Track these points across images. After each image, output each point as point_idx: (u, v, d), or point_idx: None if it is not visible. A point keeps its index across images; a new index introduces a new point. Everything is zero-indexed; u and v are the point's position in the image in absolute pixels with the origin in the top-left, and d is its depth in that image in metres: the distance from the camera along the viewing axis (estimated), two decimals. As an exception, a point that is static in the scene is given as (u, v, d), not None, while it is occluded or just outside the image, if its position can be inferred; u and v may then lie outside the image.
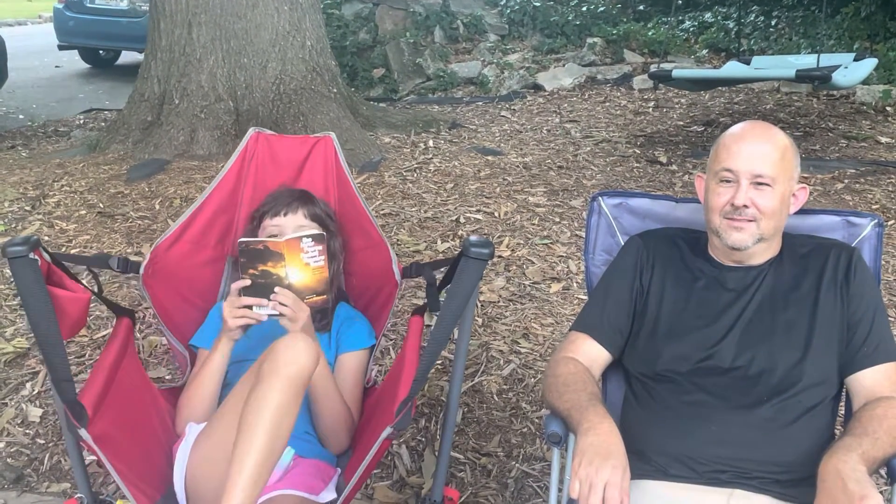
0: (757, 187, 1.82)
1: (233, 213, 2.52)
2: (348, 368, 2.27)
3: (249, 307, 2.06)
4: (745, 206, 1.82)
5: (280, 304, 2.02)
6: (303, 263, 2.05)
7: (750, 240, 1.85)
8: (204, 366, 2.15)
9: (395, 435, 1.74)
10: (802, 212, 2.01)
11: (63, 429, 2.11)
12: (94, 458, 1.88)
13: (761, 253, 1.90)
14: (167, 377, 3.19)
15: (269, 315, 2.06)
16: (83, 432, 1.74)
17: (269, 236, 2.21)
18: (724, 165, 1.85)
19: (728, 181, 1.85)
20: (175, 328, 2.41)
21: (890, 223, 4.73)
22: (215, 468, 1.77)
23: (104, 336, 3.47)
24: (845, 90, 7.81)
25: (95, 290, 2.08)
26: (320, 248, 2.06)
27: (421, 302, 2.61)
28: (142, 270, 2.31)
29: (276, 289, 2.04)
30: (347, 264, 2.49)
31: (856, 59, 6.93)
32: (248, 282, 2.04)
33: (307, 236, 2.05)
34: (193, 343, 2.38)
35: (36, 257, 1.72)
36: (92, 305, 2.04)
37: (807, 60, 6.97)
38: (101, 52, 12.32)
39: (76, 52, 12.18)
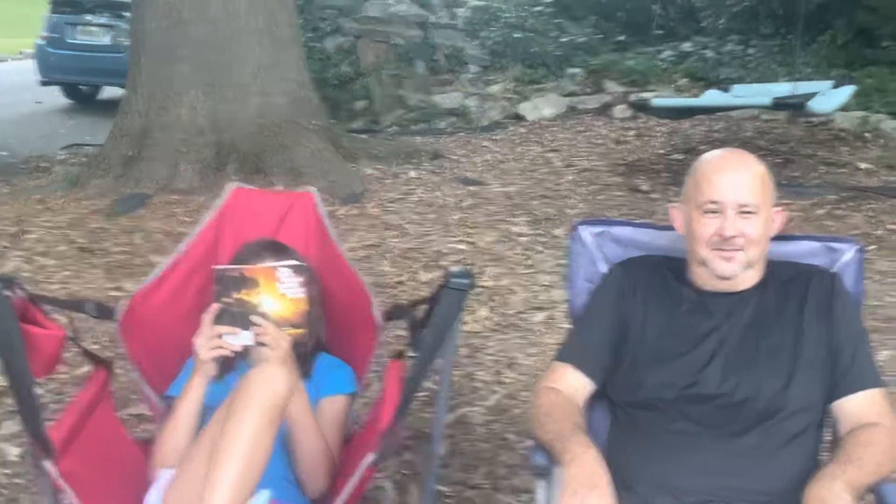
0: (744, 216, 1.82)
1: (212, 266, 2.50)
2: (328, 413, 2.20)
3: (222, 337, 2.02)
4: (734, 237, 1.82)
5: (261, 333, 1.99)
6: (279, 293, 2.02)
7: (738, 268, 1.85)
8: (177, 408, 2.08)
9: (379, 462, 1.71)
10: (783, 238, 2.01)
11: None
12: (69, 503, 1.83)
13: (749, 278, 1.90)
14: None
15: (244, 345, 2.03)
16: (47, 464, 1.71)
17: None
18: (709, 197, 1.84)
19: (714, 212, 1.85)
20: (150, 378, 2.35)
21: (871, 248, 4.75)
22: None
23: (85, 373, 3.42)
24: (823, 117, 7.89)
25: (71, 335, 2.01)
26: (300, 279, 2.02)
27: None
28: (118, 318, 2.26)
29: (252, 317, 2.01)
30: (327, 316, 2.45)
31: (834, 87, 7.01)
32: (219, 307, 2.00)
33: (284, 266, 2.03)
34: (170, 394, 2.29)
35: (9, 294, 1.70)
36: (71, 341, 2.01)
37: (786, 88, 7.05)
38: (81, 87, 12.31)
39: (57, 88, 12.15)
